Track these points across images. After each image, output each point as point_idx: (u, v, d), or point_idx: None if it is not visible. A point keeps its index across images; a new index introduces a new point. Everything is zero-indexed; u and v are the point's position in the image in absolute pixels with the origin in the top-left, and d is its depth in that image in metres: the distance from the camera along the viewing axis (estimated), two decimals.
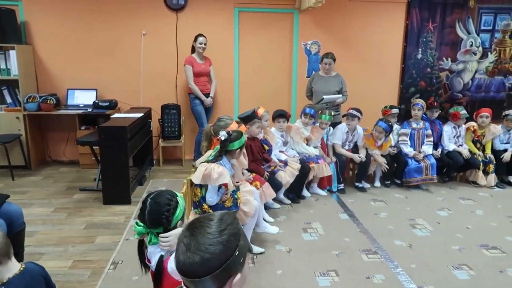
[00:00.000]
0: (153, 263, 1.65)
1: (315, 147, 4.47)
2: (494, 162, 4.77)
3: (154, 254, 1.65)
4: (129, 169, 4.06)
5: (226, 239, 0.94)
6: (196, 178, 2.85)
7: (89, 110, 5.16)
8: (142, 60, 5.52)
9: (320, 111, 4.50)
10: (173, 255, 1.56)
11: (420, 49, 5.91)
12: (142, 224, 1.66)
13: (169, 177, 5.03)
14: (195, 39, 5.15)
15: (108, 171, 3.95)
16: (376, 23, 5.81)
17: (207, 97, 5.26)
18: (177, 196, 1.71)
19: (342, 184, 4.51)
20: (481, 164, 4.73)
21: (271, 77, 5.85)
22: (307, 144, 4.44)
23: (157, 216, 1.63)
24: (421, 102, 4.81)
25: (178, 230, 1.63)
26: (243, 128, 3.26)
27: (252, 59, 5.76)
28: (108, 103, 5.20)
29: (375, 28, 5.82)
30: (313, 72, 5.36)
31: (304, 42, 5.78)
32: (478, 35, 5.96)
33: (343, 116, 4.72)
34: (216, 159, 2.90)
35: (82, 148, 4.95)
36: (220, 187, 2.94)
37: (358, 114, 4.49)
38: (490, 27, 5.99)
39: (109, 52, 5.47)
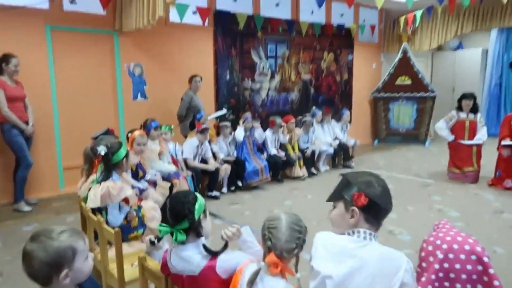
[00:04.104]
0: (188, 265, 1.61)
1: (168, 162, 4.55)
2: (302, 158, 6.03)
3: (189, 256, 1.63)
4: None
5: None
6: (93, 201, 2.60)
7: None
8: None
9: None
10: (224, 255, 1.57)
11: (227, 71, 6.79)
12: (165, 225, 1.64)
13: None
14: (5, 61, 4.36)
15: None
16: (191, 47, 6.34)
17: (26, 125, 4.50)
18: (192, 192, 1.75)
19: None
20: (295, 161, 5.91)
21: (95, 100, 5.48)
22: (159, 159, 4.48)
23: (179, 209, 1.63)
24: (249, 114, 5.63)
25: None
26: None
27: (72, 82, 5.27)
28: None
29: (190, 52, 6.33)
30: (187, 92, 5.58)
31: (127, 64, 5.72)
32: (267, 59, 7.34)
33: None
34: (106, 177, 2.69)
35: None
36: (120, 206, 2.75)
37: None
38: (274, 54, 7.48)
39: None
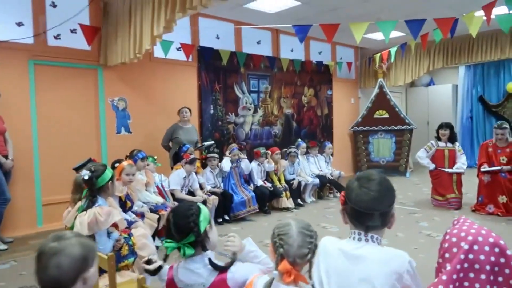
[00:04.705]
0: (198, 278, 1.55)
1: (154, 192, 4.46)
2: (288, 189, 6.02)
3: (197, 268, 1.57)
4: None
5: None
6: (80, 230, 2.49)
7: None
8: None
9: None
10: (234, 267, 1.52)
11: (212, 106, 6.85)
12: (171, 240, 1.58)
13: None
14: None
15: None
16: (175, 82, 6.40)
17: (6, 159, 4.35)
18: (194, 203, 1.70)
19: None
20: (281, 192, 5.88)
21: (77, 134, 5.38)
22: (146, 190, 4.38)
23: (183, 223, 1.58)
24: (235, 146, 5.64)
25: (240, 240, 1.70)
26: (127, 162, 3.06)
27: (54, 116, 5.18)
28: None
29: (174, 86, 6.39)
30: (173, 124, 5.66)
31: (111, 98, 5.69)
32: (249, 94, 7.47)
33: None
34: (92, 202, 2.59)
35: None
36: (108, 232, 2.64)
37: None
38: (256, 89, 7.63)
39: None
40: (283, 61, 7.81)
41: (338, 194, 6.72)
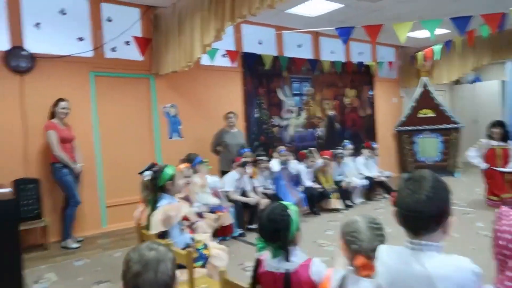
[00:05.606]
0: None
1: (209, 194, 4.63)
2: (337, 190, 6.05)
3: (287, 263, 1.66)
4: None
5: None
6: (155, 227, 2.68)
7: None
8: None
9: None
10: (314, 260, 1.63)
11: (256, 110, 7.01)
12: (262, 240, 1.67)
13: (46, 263, 4.06)
14: (56, 104, 4.63)
15: None
16: (222, 88, 6.61)
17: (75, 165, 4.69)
18: (288, 208, 1.71)
19: (241, 229, 4.77)
20: (331, 193, 5.93)
21: (133, 140, 5.69)
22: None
23: (276, 233, 1.65)
24: (283, 147, 5.77)
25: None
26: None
27: (113, 124, 5.51)
28: None
29: (221, 92, 6.60)
30: (220, 128, 5.82)
31: (164, 105, 5.97)
32: (292, 97, 7.57)
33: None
34: (155, 201, 2.78)
35: None
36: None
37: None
38: (299, 92, 7.72)
39: None
40: (324, 63, 7.85)
41: (387, 196, 6.66)
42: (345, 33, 5.85)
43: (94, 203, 5.25)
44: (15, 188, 4.40)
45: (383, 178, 6.70)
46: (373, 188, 6.69)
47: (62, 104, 4.64)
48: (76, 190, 4.65)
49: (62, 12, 5.15)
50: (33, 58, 4.82)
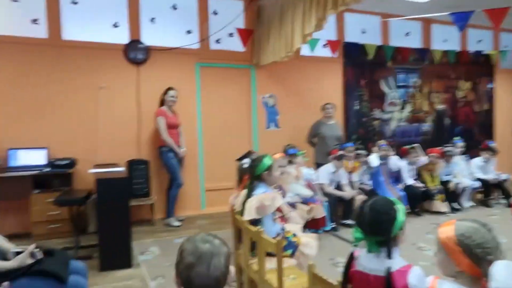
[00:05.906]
0: (380, 265, 1.55)
1: (303, 185, 4.60)
2: (444, 191, 5.53)
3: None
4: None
5: None
6: (249, 213, 2.70)
7: (45, 170, 4.43)
8: (99, 115, 5.07)
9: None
10: (415, 269, 1.49)
11: (357, 102, 6.74)
12: (360, 231, 1.57)
13: (151, 237, 4.49)
14: (166, 92, 5.02)
15: (107, 231, 3.39)
16: (321, 78, 6.49)
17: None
18: (394, 204, 1.60)
19: (334, 223, 4.66)
20: (435, 194, 5.45)
21: (232, 129, 5.91)
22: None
23: (377, 226, 1.54)
24: (384, 142, 5.47)
25: None
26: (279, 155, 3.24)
27: (214, 112, 5.79)
28: (67, 162, 4.55)
29: (320, 82, 6.48)
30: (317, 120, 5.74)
31: (263, 95, 6.09)
32: (397, 89, 7.10)
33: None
34: (252, 189, 2.80)
35: (36, 216, 4.24)
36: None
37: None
38: (404, 84, 7.21)
39: (60, 108, 4.91)
40: (436, 52, 7.19)
41: (504, 201, 5.89)
42: (462, 19, 5.25)
43: (195, 186, 5.60)
44: (129, 168, 4.90)
45: (499, 181, 5.93)
46: (487, 191, 5.96)
47: (171, 92, 5.01)
48: (180, 173, 5.01)
49: (174, 7, 5.53)
50: (148, 50, 5.28)
